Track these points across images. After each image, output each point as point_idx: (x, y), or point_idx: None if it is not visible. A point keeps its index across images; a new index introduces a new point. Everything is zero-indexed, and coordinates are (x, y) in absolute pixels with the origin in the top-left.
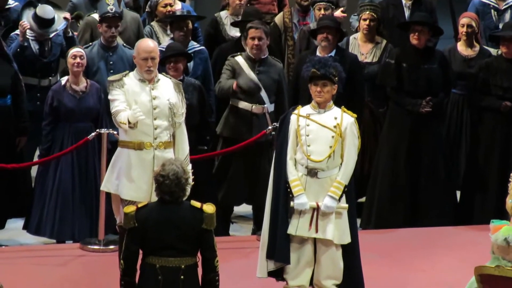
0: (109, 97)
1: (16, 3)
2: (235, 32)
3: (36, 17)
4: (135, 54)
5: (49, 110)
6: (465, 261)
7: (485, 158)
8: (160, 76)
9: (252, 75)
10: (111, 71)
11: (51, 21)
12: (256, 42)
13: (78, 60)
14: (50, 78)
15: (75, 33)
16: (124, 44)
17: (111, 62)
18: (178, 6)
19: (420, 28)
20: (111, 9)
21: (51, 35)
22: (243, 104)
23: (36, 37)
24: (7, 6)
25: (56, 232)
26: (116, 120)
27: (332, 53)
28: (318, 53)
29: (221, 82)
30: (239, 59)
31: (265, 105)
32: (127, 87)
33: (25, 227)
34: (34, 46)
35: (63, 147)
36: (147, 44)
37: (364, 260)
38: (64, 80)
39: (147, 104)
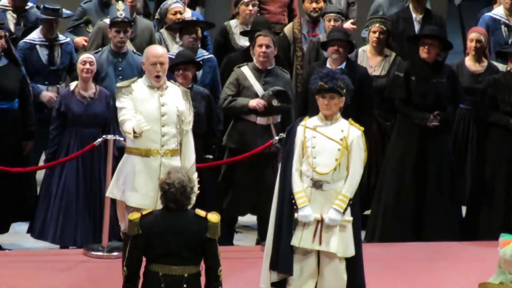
0: (117, 104)
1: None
2: (244, 42)
3: (45, 9)
4: (144, 60)
5: (56, 115)
6: (470, 277)
7: (491, 174)
8: (168, 83)
9: (257, 86)
10: (120, 77)
11: (59, 10)
12: (263, 49)
13: (87, 66)
14: (58, 86)
15: (84, 39)
16: (134, 51)
17: (120, 68)
18: (188, 13)
19: (430, 42)
20: (121, 14)
21: (61, 40)
22: (249, 115)
23: (44, 35)
24: (26, 7)
25: (58, 237)
26: (122, 129)
27: (342, 65)
28: (328, 65)
29: (230, 100)
30: (245, 69)
31: (271, 116)
32: (136, 94)
33: (29, 230)
34: (43, 52)
35: (69, 152)
36: (155, 49)
37: (368, 272)
38: (73, 85)
39: (155, 110)
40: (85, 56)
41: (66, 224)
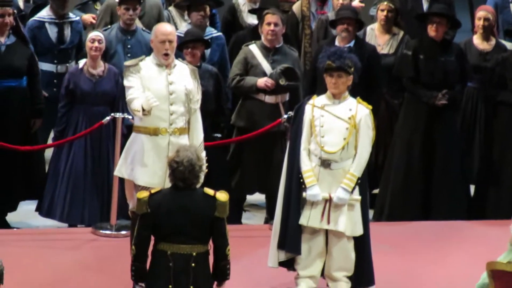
0: (125, 83)
1: None
2: (252, 20)
3: None
4: (152, 38)
5: (65, 92)
6: (477, 256)
7: (500, 153)
8: (176, 61)
9: (266, 64)
10: (129, 54)
11: None
12: (272, 27)
13: (96, 44)
14: (67, 64)
15: (92, 16)
16: (144, 28)
17: (129, 46)
18: None
19: (438, 20)
20: None
21: (71, 18)
22: (258, 94)
23: (55, 11)
24: None
25: (65, 215)
26: (130, 108)
27: (351, 44)
28: (337, 43)
29: (238, 79)
30: (253, 47)
31: (279, 95)
32: (143, 72)
33: (37, 209)
34: (52, 30)
35: (77, 130)
36: (164, 27)
37: (375, 251)
38: (82, 63)
39: (163, 89)
40: (94, 34)
41: (73, 202)
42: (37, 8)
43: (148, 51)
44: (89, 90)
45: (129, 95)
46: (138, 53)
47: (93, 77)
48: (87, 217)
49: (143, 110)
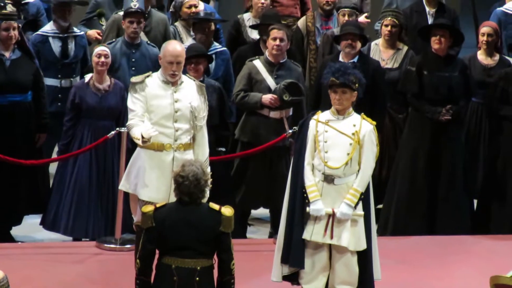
0: (128, 103)
1: None
2: (256, 35)
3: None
4: (161, 55)
5: (70, 106)
6: (482, 270)
7: (504, 167)
8: (184, 78)
9: (270, 80)
10: (133, 68)
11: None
12: (277, 42)
13: (102, 59)
14: (71, 79)
15: (97, 31)
16: (149, 42)
17: (133, 59)
18: (201, 6)
19: (441, 33)
20: (135, 5)
21: (75, 33)
22: (262, 110)
23: (57, 23)
24: (26, 1)
25: (70, 228)
26: (130, 134)
27: (355, 59)
28: (341, 59)
29: (243, 95)
30: (257, 62)
31: (283, 110)
32: (149, 90)
33: (42, 222)
34: (56, 45)
35: (83, 144)
36: (174, 47)
37: (380, 266)
38: (88, 77)
39: (168, 107)
40: (100, 49)
41: (78, 216)
42: (28, 24)
43: (152, 65)
44: (94, 105)
45: (130, 120)
46: (143, 67)
47: (99, 91)
48: (91, 231)
49: (143, 137)
